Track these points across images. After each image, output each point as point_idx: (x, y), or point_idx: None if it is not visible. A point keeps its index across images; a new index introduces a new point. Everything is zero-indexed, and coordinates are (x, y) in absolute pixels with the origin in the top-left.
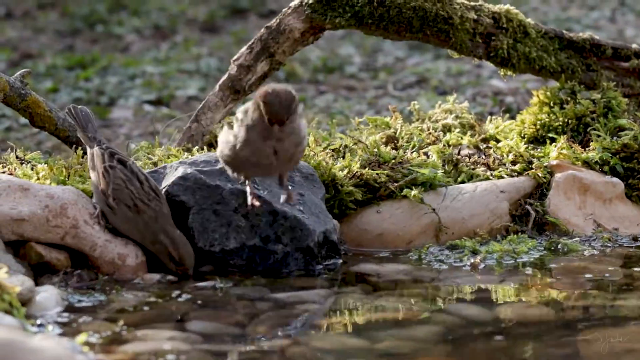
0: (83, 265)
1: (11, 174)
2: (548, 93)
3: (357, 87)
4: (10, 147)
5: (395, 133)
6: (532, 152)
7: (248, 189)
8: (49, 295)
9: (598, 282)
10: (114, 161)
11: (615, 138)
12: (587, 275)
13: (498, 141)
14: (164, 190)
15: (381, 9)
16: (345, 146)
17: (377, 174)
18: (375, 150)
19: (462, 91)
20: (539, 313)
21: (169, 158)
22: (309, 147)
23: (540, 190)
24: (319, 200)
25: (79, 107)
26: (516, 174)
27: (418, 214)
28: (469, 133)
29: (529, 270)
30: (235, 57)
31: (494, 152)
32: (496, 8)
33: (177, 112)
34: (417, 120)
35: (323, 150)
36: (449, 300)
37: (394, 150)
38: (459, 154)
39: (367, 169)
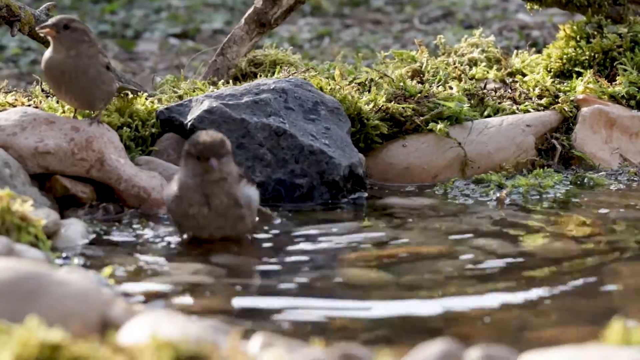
0: (109, 199)
1: (37, 107)
2: (575, 27)
3: (383, 21)
4: (36, 80)
5: (421, 67)
6: (558, 86)
7: None
8: (74, 228)
9: (624, 216)
10: None
11: None
12: (613, 210)
13: (524, 75)
14: (189, 123)
15: None
16: (371, 80)
17: (403, 107)
18: (401, 84)
19: (489, 25)
20: (565, 247)
21: (194, 91)
22: (335, 81)
23: (567, 124)
24: (344, 134)
25: None
26: (542, 108)
27: (444, 148)
28: (495, 67)
29: (554, 204)
30: None
31: (520, 86)
32: None
33: (202, 46)
34: (443, 54)
35: (349, 84)
36: (474, 234)
37: (419, 84)
38: (485, 87)
39: (392, 103)
